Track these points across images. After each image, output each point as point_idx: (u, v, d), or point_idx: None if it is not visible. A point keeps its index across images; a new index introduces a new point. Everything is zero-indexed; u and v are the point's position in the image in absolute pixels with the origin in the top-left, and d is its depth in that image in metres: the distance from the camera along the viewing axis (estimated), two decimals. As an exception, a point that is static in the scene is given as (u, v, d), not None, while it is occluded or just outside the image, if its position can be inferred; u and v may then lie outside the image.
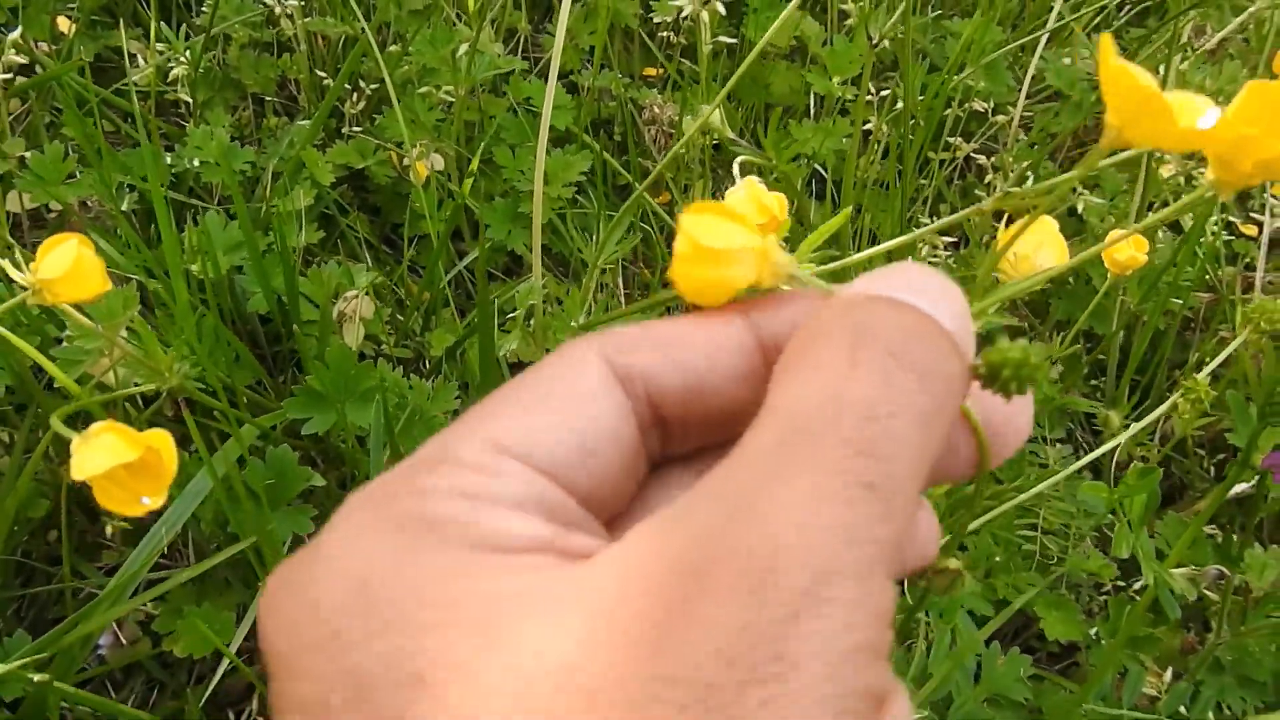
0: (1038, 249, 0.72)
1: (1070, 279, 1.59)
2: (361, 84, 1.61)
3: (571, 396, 0.33)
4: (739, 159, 0.91)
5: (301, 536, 1.08)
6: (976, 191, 1.72)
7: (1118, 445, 0.84)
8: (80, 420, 0.94)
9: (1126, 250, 0.97)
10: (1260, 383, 0.88)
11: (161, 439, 0.66)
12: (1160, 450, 1.30)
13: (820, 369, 0.30)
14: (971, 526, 0.85)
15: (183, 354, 1.06)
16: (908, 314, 0.32)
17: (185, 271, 1.30)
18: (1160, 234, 1.61)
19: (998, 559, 1.23)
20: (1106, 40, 0.39)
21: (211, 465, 0.97)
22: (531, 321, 1.14)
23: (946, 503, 0.87)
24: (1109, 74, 0.39)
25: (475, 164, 1.24)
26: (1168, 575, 0.85)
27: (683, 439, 0.36)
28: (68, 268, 0.66)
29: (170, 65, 1.56)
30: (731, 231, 0.50)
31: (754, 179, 0.84)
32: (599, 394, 0.33)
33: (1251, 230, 1.84)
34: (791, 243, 0.69)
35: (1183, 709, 1.06)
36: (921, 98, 1.59)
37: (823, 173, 1.68)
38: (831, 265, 0.80)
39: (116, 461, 0.62)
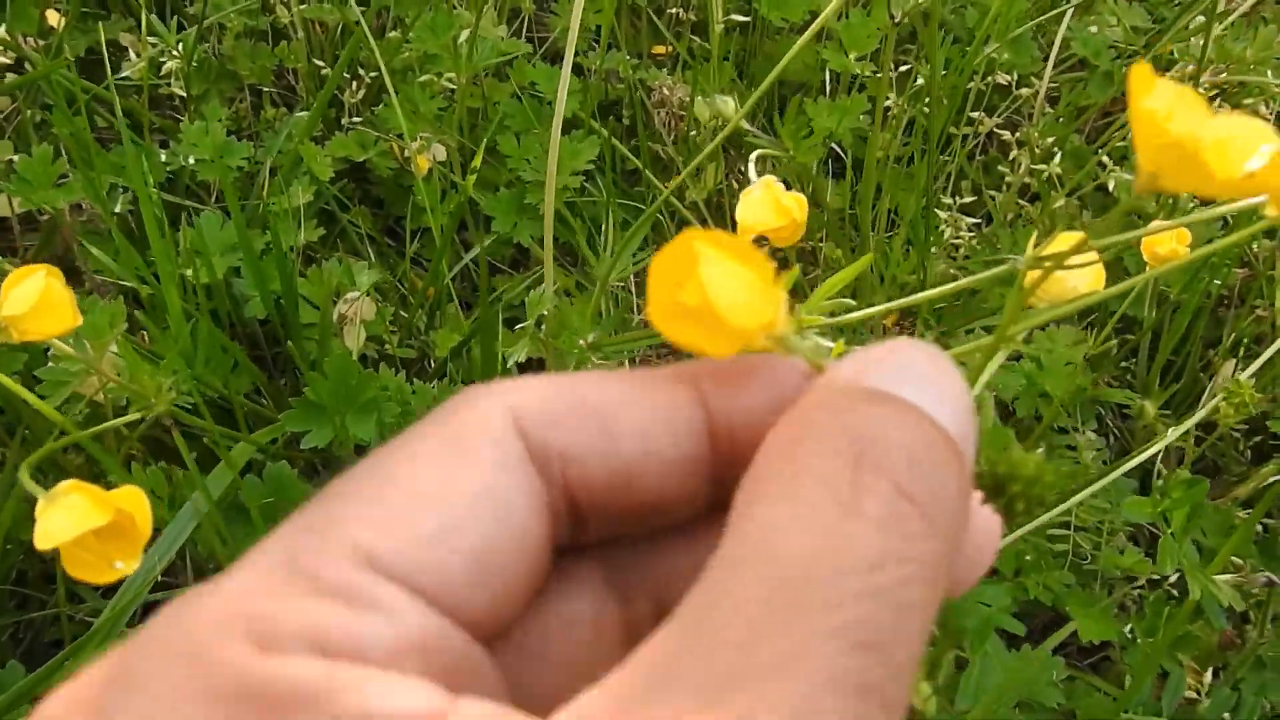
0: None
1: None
2: (361, 72, 1.56)
3: (472, 483, 0.26)
4: (755, 154, 0.86)
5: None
6: (1000, 168, 1.65)
7: (1158, 451, 0.79)
8: (66, 448, 0.90)
9: (1168, 244, 0.91)
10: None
11: (133, 499, 0.62)
12: (1203, 443, 1.25)
13: (814, 501, 0.24)
14: (1019, 533, 0.80)
15: (174, 368, 1.02)
16: (914, 426, 0.26)
17: (180, 276, 1.26)
18: (1195, 207, 1.54)
19: (1028, 558, 1.18)
20: (1139, 73, 0.34)
21: (205, 487, 0.93)
22: (543, 327, 1.10)
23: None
24: (1139, 118, 0.33)
25: (479, 157, 1.19)
26: (1215, 587, 0.81)
27: (596, 530, 0.29)
28: (34, 302, 0.61)
29: (163, 59, 1.51)
30: (747, 287, 0.45)
31: (771, 179, 0.79)
32: (508, 480, 0.26)
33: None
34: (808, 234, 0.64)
35: (1227, 716, 1.01)
36: (944, 73, 1.53)
37: (841, 152, 1.62)
38: (849, 317, 0.75)
39: (84, 527, 0.58)
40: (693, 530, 0.30)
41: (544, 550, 0.27)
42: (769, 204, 0.75)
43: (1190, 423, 0.81)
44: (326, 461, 1.21)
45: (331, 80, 1.37)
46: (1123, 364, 1.54)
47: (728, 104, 0.94)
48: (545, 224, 1.06)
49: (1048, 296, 0.62)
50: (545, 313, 1.02)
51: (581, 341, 0.96)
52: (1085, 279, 0.61)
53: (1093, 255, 0.62)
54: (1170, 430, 0.79)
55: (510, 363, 1.04)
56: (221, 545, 0.97)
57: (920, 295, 0.64)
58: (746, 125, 0.95)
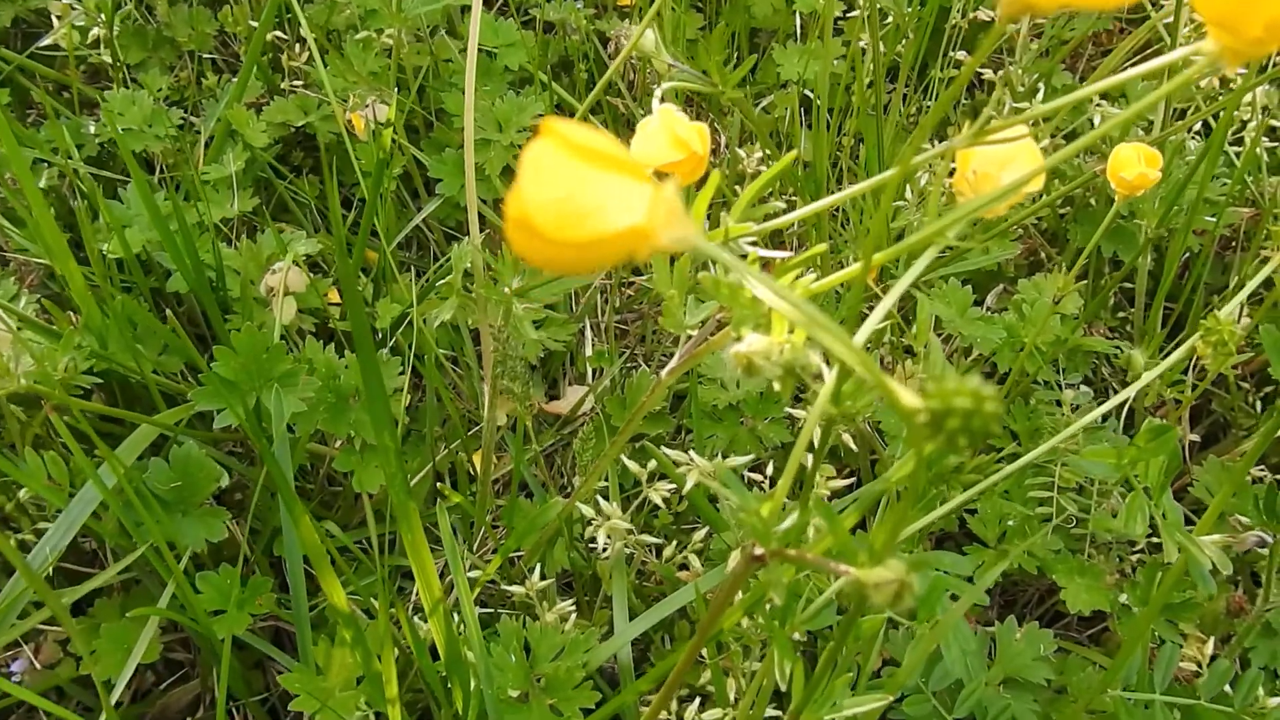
0: (1003, 166, 0.58)
1: (1091, 201, 1.43)
2: (305, 34, 1.47)
3: None
4: (665, 85, 0.77)
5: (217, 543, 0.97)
6: (983, 123, 1.55)
7: (1132, 394, 0.70)
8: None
9: (1136, 167, 0.82)
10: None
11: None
12: (1195, 389, 1.15)
13: None
14: (973, 491, 0.72)
15: (71, 346, 0.94)
16: None
17: (101, 253, 1.19)
18: (1191, 144, 1.44)
19: (1011, 522, 1.09)
20: None
21: (96, 475, 0.86)
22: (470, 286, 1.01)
23: (928, 475, 0.74)
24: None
25: (393, 110, 1.10)
26: (1196, 547, 0.72)
27: None
28: None
29: (95, 26, 1.43)
30: (594, 183, 0.37)
31: (671, 107, 0.70)
32: None
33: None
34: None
35: (1227, 689, 0.92)
36: (915, 8, 1.43)
37: (815, 99, 1.52)
38: (778, 221, 0.67)
39: None
40: None
41: None
42: (664, 136, 0.67)
43: (1171, 360, 0.71)
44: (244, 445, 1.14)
45: (257, 39, 1.29)
46: (1119, 314, 1.44)
47: (648, 38, 0.85)
48: (467, 174, 0.97)
49: (977, 195, 0.53)
50: (469, 266, 0.93)
51: (506, 289, 0.87)
52: (1019, 174, 0.52)
53: (1023, 130, 0.53)
54: (1147, 374, 0.70)
55: (435, 323, 0.96)
56: (121, 532, 0.90)
57: (844, 193, 0.56)
58: (670, 60, 0.86)
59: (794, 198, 1.43)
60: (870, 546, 0.50)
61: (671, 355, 1.42)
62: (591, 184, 0.34)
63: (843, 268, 0.64)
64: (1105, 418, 1.23)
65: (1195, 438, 1.36)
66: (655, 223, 0.35)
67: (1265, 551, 1.05)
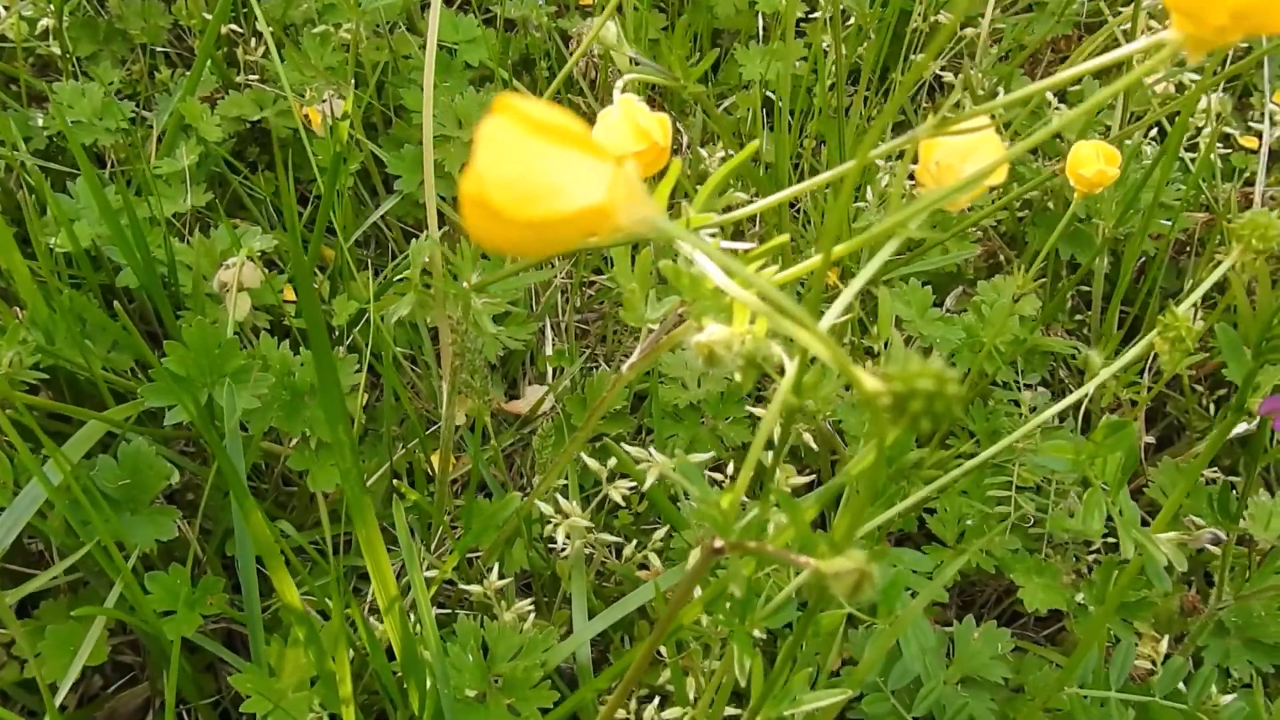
0: (965, 158, 0.58)
1: (1049, 204, 1.44)
2: (260, 27, 1.45)
3: None
4: (624, 79, 0.77)
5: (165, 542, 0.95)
6: (946, 114, 1.56)
7: (1090, 392, 0.70)
8: None
9: (1095, 164, 0.82)
10: (1254, 315, 0.74)
11: None
12: (1150, 390, 1.16)
13: None
14: (932, 488, 0.72)
15: (19, 338, 0.92)
16: None
17: (49, 247, 1.17)
18: (1147, 149, 1.45)
19: (969, 522, 1.09)
20: None
21: (41, 473, 0.84)
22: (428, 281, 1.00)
23: (889, 471, 0.73)
24: None
25: (349, 103, 1.09)
26: (1153, 544, 0.72)
27: None
28: None
29: (44, 17, 1.41)
30: (552, 160, 0.36)
31: (632, 97, 0.70)
32: None
33: (1251, 142, 1.68)
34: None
35: (1181, 686, 0.93)
36: (876, 9, 1.43)
37: (777, 100, 1.52)
38: (740, 212, 0.66)
39: None
40: None
41: None
42: (625, 126, 0.66)
43: (1130, 356, 0.72)
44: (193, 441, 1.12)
45: (211, 31, 1.27)
46: (1077, 317, 1.46)
47: (609, 29, 0.85)
48: (426, 170, 0.96)
49: (939, 186, 0.53)
50: (427, 260, 0.92)
51: (465, 283, 0.86)
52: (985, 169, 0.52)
53: (985, 122, 0.53)
54: (1104, 371, 0.70)
55: (393, 319, 0.95)
56: (68, 531, 0.88)
57: (805, 184, 0.55)
58: (631, 53, 0.85)
59: (757, 198, 1.43)
60: (830, 538, 0.49)
61: (632, 354, 1.41)
62: (550, 161, 0.33)
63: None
64: (1063, 418, 1.23)
65: (1150, 439, 1.38)
66: (616, 202, 0.34)
67: (1218, 550, 1.06)
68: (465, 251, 0.89)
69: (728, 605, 0.66)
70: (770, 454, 0.68)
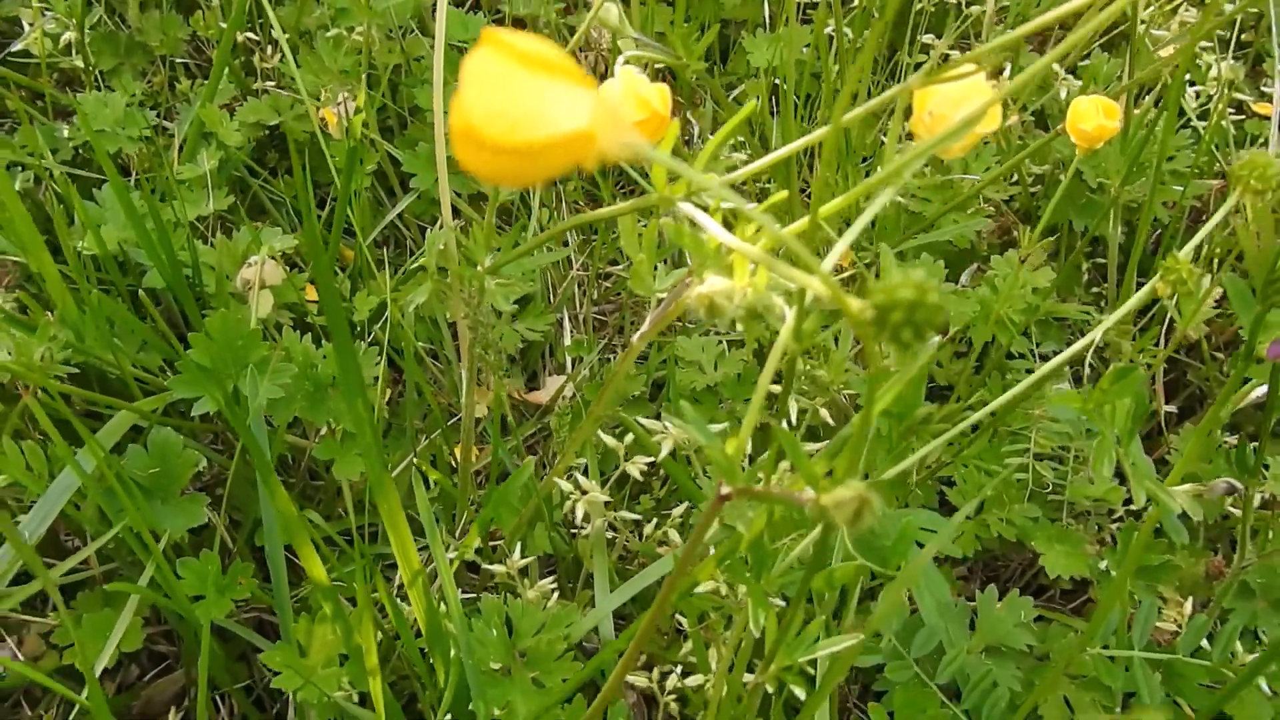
0: (959, 106, 0.59)
1: (1061, 178, 1.44)
2: (275, 35, 1.48)
3: None
4: (625, 55, 0.78)
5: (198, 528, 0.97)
6: (937, 52, 1.56)
7: (1096, 339, 0.71)
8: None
9: (1094, 118, 0.83)
10: (1259, 259, 0.74)
11: None
12: (1165, 350, 1.16)
13: None
14: (941, 441, 0.72)
15: (46, 338, 0.95)
16: None
17: (77, 250, 1.19)
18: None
19: (989, 492, 1.10)
20: None
21: (75, 461, 0.86)
22: (445, 271, 1.02)
23: (898, 427, 0.74)
24: None
25: (362, 96, 1.11)
26: (1165, 492, 0.72)
27: None
28: None
29: (66, 31, 1.44)
30: (537, 88, 0.37)
31: (633, 69, 0.71)
32: None
33: (1266, 109, 1.67)
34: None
35: (1205, 644, 0.93)
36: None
37: (783, 86, 1.53)
38: (744, 170, 0.67)
39: None
40: None
41: None
42: (627, 96, 0.68)
43: (1131, 304, 0.72)
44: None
45: (227, 37, 1.29)
46: (1094, 289, 1.46)
47: (610, 10, 0.86)
48: (439, 163, 0.98)
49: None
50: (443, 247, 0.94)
51: (479, 266, 0.88)
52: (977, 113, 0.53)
53: (974, 68, 0.54)
54: (1105, 321, 0.70)
55: (411, 307, 0.97)
56: (102, 519, 0.90)
57: (804, 140, 0.56)
58: (634, 34, 0.87)
59: (768, 184, 1.44)
60: (834, 474, 0.50)
61: (652, 345, 1.43)
62: (534, 89, 0.35)
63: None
64: (1079, 382, 1.24)
65: (1172, 409, 1.37)
66: (599, 127, 0.35)
67: (1239, 512, 1.05)
68: (478, 236, 0.91)
69: (743, 563, 0.67)
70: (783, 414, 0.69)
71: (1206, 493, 0.84)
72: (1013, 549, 1.24)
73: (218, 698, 1.10)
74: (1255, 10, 1.76)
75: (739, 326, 0.57)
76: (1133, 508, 1.20)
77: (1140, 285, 1.43)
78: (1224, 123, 1.51)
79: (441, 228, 0.98)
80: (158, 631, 1.12)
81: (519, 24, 1.57)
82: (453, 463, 1.22)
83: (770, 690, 0.62)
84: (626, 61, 0.73)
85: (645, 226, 0.77)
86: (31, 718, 1.07)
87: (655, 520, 1.03)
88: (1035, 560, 1.22)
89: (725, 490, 0.56)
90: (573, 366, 1.36)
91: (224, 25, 1.45)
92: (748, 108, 0.62)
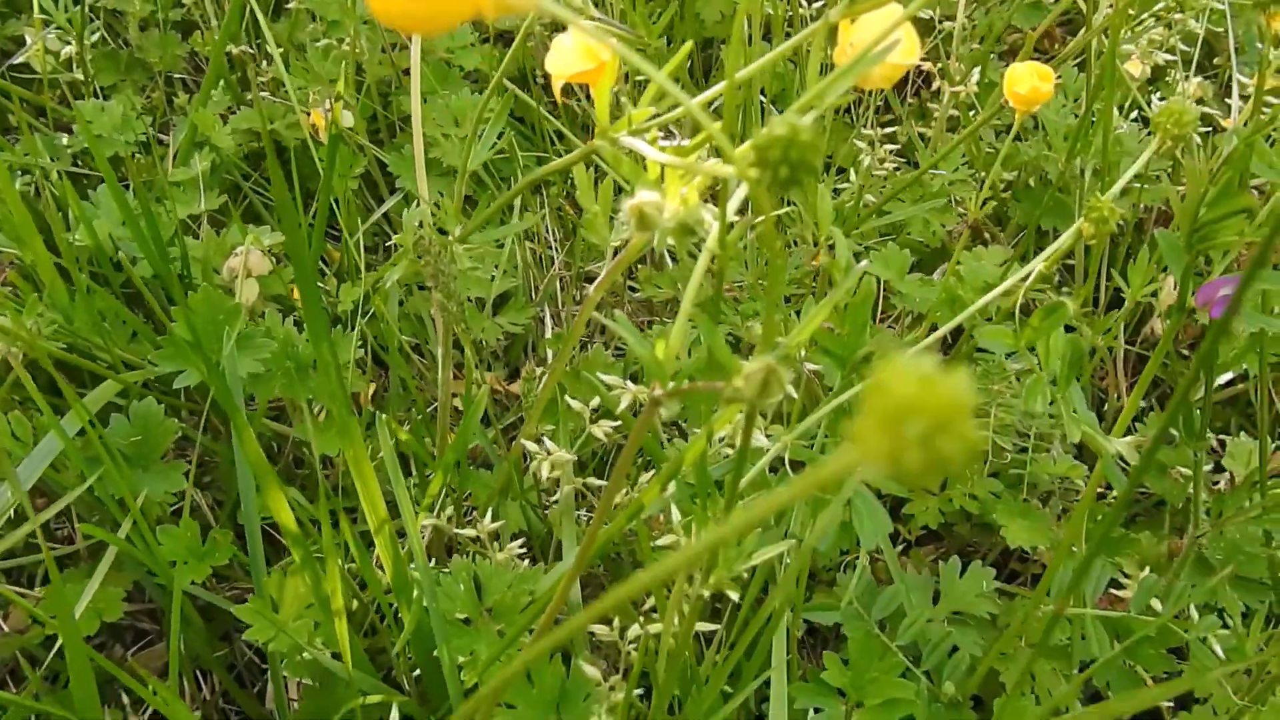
0: (879, 39, 0.63)
1: (1030, 181, 1.49)
2: (268, 49, 1.54)
3: None
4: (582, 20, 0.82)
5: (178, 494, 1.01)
6: (930, 105, 1.62)
7: (1032, 272, 0.74)
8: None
9: (1028, 81, 0.87)
10: (1184, 210, 0.77)
11: None
12: (1125, 329, 1.19)
13: None
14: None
15: (38, 310, 0.99)
16: None
17: (71, 243, 1.24)
18: (1126, 124, 1.49)
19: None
20: None
21: (59, 427, 0.89)
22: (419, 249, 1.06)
23: (842, 370, 0.77)
24: None
25: (340, 82, 1.16)
26: (1100, 435, 0.75)
27: None
28: None
29: (66, 43, 1.50)
30: None
31: (585, 23, 0.76)
32: None
33: (1230, 125, 1.71)
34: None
35: (1155, 602, 0.95)
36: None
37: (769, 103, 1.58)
38: (677, 112, 0.71)
39: None
40: None
41: None
42: (576, 48, 0.72)
43: (1048, 253, 0.75)
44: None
45: (219, 44, 1.35)
46: (1065, 290, 1.49)
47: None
48: (415, 142, 1.02)
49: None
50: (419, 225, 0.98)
51: (450, 235, 0.92)
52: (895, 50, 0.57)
53: (895, 6, 0.58)
54: (1032, 263, 0.74)
55: (389, 283, 1.00)
56: (81, 481, 0.93)
57: (749, 69, 0.60)
58: (598, 15, 0.91)
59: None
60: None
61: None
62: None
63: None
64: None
65: (1145, 404, 1.40)
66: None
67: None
68: (448, 207, 0.95)
69: (687, 488, 0.70)
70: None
71: (1146, 443, 0.87)
72: (981, 534, 1.27)
73: (200, 674, 1.12)
74: (1221, 29, 1.81)
75: (670, 241, 0.60)
76: (1100, 491, 1.22)
77: (1109, 285, 1.47)
78: (1193, 135, 1.55)
79: (416, 203, 1.02)
80: (142, 610, 1.15)
81: (504, 37, 1.62)
82: (432, 452, 1.25)
83: (706, 594, 0.65)
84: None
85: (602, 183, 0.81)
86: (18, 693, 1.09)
87: (626, 491, 1.06)
88: (1006, 549, 1.24)
89: (658, 393, 0.59)
90: (553, 360, 1.39)
91: (231, 48, 1.51)
92: (685, 49, 0.66)
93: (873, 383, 0.21)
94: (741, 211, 0.63)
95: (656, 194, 0.59)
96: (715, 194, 0.64)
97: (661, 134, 0.70)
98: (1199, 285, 0.87)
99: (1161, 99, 1.68)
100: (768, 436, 0.81)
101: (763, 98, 1.57)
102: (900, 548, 1.24)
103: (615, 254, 0.80)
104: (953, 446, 0.20)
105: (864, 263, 0.64)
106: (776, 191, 0.40)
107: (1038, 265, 0.73)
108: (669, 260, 1.50)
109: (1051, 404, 0.81)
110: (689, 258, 1.38)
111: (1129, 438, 0.83)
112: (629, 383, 0.89)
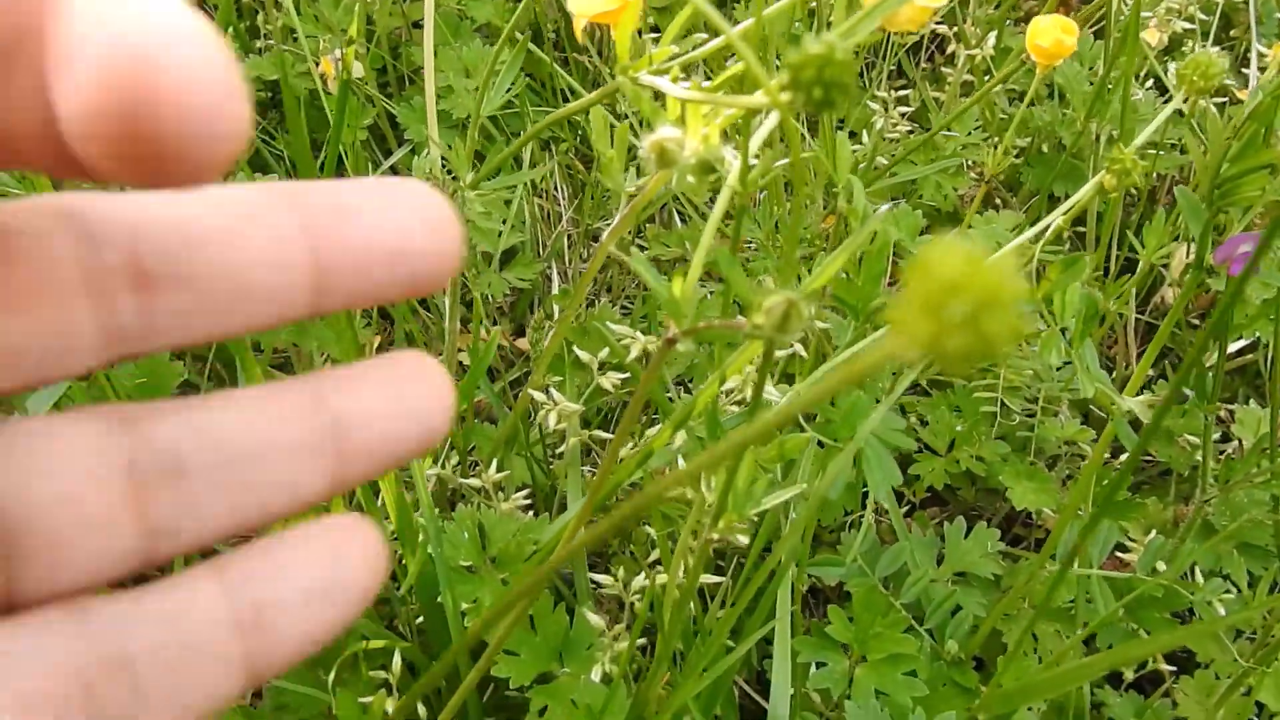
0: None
1: (1044, 147, 1.47)
2: (278, -2, 1.52)
3: None
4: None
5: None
6: (944, 70, 1.60)
7: (1054, 222, 0.73)
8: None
9: (1052, 34, 0.86)
10: (1206, 167, 0.77)
11: None
12: (1135, 296, 1.18)
13: None
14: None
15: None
16: None
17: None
18: (1143, 93, 1.48)
19: (959, 429, 1.12)
20: None
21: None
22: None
23: (856, 320, 0.77)
24: None
25: (354, 25, 1.15)
26: (1113, 391, 0.74)
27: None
28: None
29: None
30: None
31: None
32: None
33: (1246, 96, 1.70)
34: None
35: (1160, 565, 0.95)
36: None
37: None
38: (696, 53, 0.70)
39: None
40: None
41: None
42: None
43: (1062, 209, 0.74)
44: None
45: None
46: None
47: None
48: (427, 89, 1.01)
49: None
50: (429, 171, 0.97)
51: (461, 181, 0.91)
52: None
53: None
54: (1052, 216, 0.73)
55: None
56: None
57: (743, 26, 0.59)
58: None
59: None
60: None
61: (635, 299, 1.46)
62: None
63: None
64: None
65: (1152, 373, 1.40)
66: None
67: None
68: (460, 150, 0.94)
69: (696, 428, 0.69)
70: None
71: (1156, 403, 0.86)
72: (986, 498, 1.26)
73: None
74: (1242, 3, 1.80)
75: (690, 179, 0.60)
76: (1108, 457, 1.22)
77: (1119, 255, 1.46)
78: (1208, 104, 1.54)
79: (426, 151, 1.02)
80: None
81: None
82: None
83: (715, 537, 0.64)
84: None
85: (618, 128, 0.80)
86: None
87: (632, 444, 1.06)
88: (1012, 512, 1.24)
89: (673, 333, 0.58)
90: (560, 313, 1.39)
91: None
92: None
93: (914, 264, 0.20)
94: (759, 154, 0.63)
95: (677, 130, 0.58)
96: (736, 138, 0.63)
97: (682, 75, 0.69)
98: (1217, 245, 0.86)
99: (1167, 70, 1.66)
100: (777, 390, 0.81)
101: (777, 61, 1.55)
102: (904, 509, 1.24)
103: (629, 202, 0.79)
104: (999, 327, 0.19)
105: (884, 206, 0.63)
106: (812, 111, 0.39)
107: (1054, 219, 0.73)
108: (677, 220, 1.49)
109: (1066, 364, 0.80)
110: (699, 217, 1.37)
111: (1141, 396, 0.82)
112: (638, 333, 0.88)
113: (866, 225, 0.63)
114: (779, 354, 1.09)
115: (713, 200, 0.63)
